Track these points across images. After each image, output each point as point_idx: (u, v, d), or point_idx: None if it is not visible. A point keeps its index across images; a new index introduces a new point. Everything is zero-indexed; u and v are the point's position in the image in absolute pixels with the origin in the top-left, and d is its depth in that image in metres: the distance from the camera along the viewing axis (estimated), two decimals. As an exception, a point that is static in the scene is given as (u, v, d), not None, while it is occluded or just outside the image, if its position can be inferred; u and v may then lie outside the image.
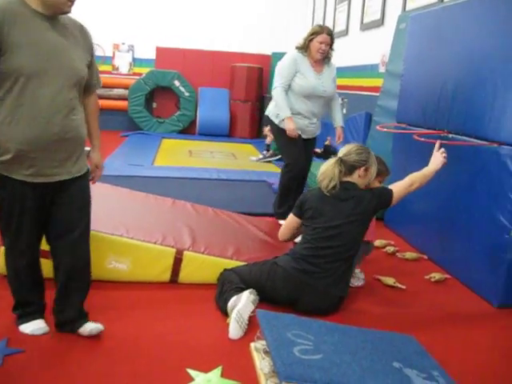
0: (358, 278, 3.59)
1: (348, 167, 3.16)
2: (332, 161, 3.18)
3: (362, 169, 3.16)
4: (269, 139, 9.05)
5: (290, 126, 4.43)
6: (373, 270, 3.79)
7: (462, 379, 2.45)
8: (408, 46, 4.90)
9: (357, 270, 3.58)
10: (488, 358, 2.78)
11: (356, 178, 3.18)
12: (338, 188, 3.11)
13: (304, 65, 4.48)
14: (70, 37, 2.37)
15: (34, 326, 2.59)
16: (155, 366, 2.42)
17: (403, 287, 3.60)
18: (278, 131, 4.60)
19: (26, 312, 2.62)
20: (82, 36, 2.46)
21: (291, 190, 4.60)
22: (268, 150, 9.06)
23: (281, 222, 4.43)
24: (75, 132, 2.39)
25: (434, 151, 3.43)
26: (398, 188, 3.23)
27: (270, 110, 4.68)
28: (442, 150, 3.43)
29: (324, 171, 3.17)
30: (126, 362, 2.43)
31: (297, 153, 4.57)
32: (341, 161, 3.16)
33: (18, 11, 2.18)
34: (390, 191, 3.19)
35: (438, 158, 3.38)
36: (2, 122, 2.23)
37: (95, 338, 2.58)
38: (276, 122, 4.58)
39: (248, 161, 8.81)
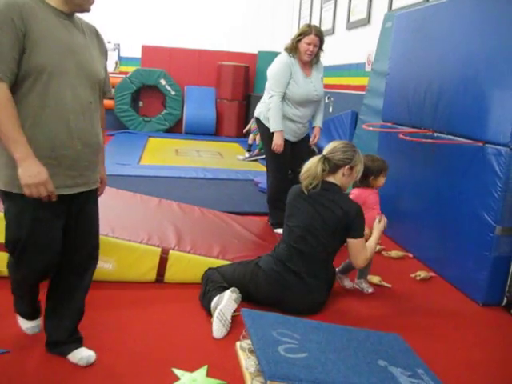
0: (347, 279, 3.61)
1: (332, 166, 3.10)
2: (316, 159, 3.12)
3: (347, 167, 3.11)
4: (251, 139, 9.06)
5: (278, 141, 4.36)
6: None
7: (446, 377, 2.46)
8: (393, 45, 4.92)
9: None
10: (473, 356, 2.79)
11: (340, 177, 3.13)
12: (318, 188, 3.07)
13: (296, 70, 4.37)
14: (87, 38, 2.27)
15: (31, 324, 2.53)
16: (140, 366, 2.41)
17: (389, 286, 3.61)
18: (268, 134, 4.49)
19: (24, 312, 2.51)
20: (97, 39, 2.35)
21: (280, 195, 4.38)
22: (249, 150, 9.05)
23: (276, 230, 4.42)
24: (95, 139, 2.23)
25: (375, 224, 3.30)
26: (365, 245, 3.14)
27: (261, 112, 4.56)
28: (383, 220, 3.31)
29: (307, 169, 3.11)
30: (110, 362, 2.41)
31: (281, 160, 4.49)
32: (325, 159, 3.11)
33: (36, 7, 2.06)
34: (362, 235, 3.09)
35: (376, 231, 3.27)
36: (23, 126, 2.02)
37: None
38: (267, 125, 4.48)
39: (235, 160, 8.80)
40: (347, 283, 3.59)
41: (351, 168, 3.13)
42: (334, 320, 2.91)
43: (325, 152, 3.16)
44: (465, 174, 3.60)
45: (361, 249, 3.09)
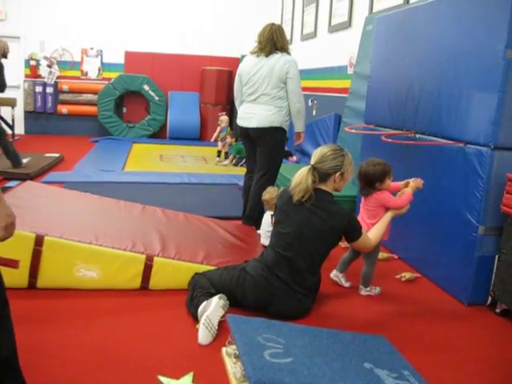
0: (345, 279, 3.69)
1: (322, 175, 3.06)
2: (305, 171, 3.05)
3: (338, 174, 3.08)
4: (221, 146, 9.07)
5: (304, 138, 4.69)
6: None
7: (433, 378, 2.47)
8: (374, 48, 4.94)
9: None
10: (459, 356, 2.80)
11: (331, 184, 3.11)
12: (312, 199, 3.03)
13: None
14: None
15: None
16: (126, 374, 2.39)
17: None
18: (283, 141, 4.61)
19: None
20: None
21: None
22: (220, 157, 9.07)
23: (259, 231, 4.41)
24: None
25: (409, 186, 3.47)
26: (367, 237, 3.23)
27: (275, 120, 4.48)
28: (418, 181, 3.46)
29: (298, 183, 3.03)
30: (96, 371, 2.39)
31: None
32: (314, 169, 3.05)
33: None
34: (361, 234, 3.13)
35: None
36: None
37: (64, 346, 2.55)
38: (285, 128, 4.55)
39: (219, 164, 8.81)
40: (346, 282, 3.64)
41: (342, 174, 3.10)
42: (319, 323, 2.91)
43: (313, 161, 3.10)
44: (447, 175, 3.63)
45: (365, 242, 3.20)
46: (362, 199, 3.58)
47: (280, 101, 4.46)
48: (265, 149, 4.56)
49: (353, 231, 3.13)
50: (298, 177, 3.07)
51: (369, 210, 3.48)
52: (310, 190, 3.02)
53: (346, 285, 3.63)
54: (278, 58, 4.42)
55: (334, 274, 3.68)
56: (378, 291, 3.56)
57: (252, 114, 4.53)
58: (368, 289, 3.54)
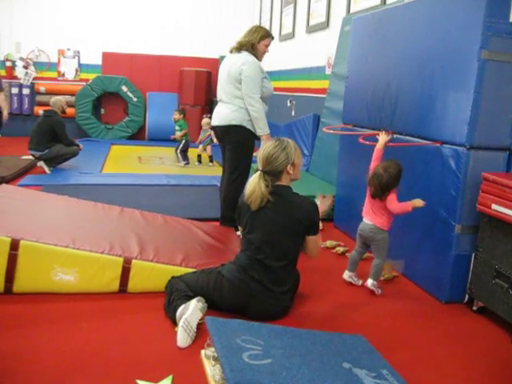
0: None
1: (274, 174, 3.06)
2: (256, 178, 3.03)
3: (288, 167, 3.07)
4: (200, 150, 8.90)
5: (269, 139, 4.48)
6: (323, 271, 3.82)
7: (411, 376, 2.48)
8: (351, 48, 4.96)
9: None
10: (437, 354, 2.82)
11: (285, 177, 3.10)
12: (271, 200, 3.02)
13: (261, 68, 4.45)
14: None
15: None
16: (105, 378, 2.37)
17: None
18: (249, 140, 4.48)
19: None
20: None
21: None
22: (211, 161, 8.93)
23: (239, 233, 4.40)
24: None
25: None
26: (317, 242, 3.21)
27: (235, 118, 4.40)
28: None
29: (252, 192, 3.02)
30: (74, 376, 2.37)
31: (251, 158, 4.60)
32: (264, 173, 3.05)
33: None
34: (317, 232, 3.13)
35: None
36: None
37: (42, 352, 2.52)
38: (251, 128, 4.42)
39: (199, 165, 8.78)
40: (358, 281, 3.73)
41: (293, 164, 3.09)
42: (297, 324, 2.91)
43: (260, 166, 3.08)
44: (424, 175, 3.66)
45: (317, 243, 3.18)
46: (369, 198, 3.65)
47: (239, 100, 4.39)
48: (229, 147, 4.54)
49: (315, 225, 3.10)
50: (250, 185, 3.06)
51: (383, 208, 3.55)
52: (266, 195, 3.01)
53: (359, 283, 3.69)
54: (238, 57, 4.39)
55: (348, 276, 3.72)
56: (380, 292, 3.58)
57: (216, 113, 4.55)
58: (376, 283, 3.58)
